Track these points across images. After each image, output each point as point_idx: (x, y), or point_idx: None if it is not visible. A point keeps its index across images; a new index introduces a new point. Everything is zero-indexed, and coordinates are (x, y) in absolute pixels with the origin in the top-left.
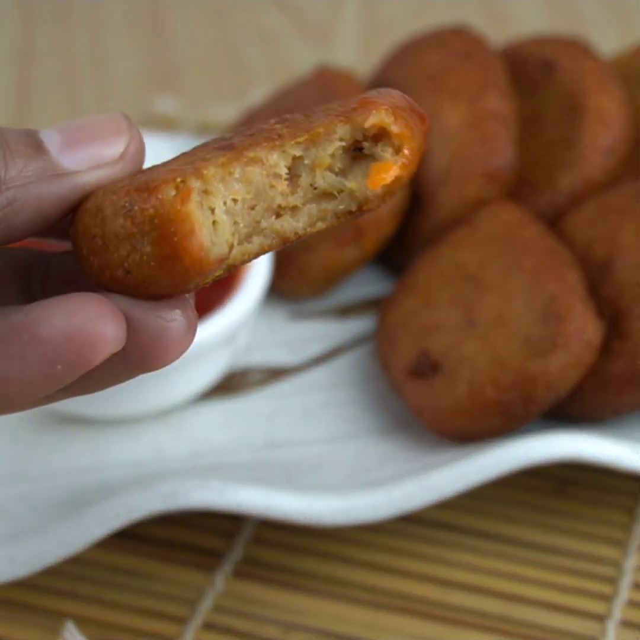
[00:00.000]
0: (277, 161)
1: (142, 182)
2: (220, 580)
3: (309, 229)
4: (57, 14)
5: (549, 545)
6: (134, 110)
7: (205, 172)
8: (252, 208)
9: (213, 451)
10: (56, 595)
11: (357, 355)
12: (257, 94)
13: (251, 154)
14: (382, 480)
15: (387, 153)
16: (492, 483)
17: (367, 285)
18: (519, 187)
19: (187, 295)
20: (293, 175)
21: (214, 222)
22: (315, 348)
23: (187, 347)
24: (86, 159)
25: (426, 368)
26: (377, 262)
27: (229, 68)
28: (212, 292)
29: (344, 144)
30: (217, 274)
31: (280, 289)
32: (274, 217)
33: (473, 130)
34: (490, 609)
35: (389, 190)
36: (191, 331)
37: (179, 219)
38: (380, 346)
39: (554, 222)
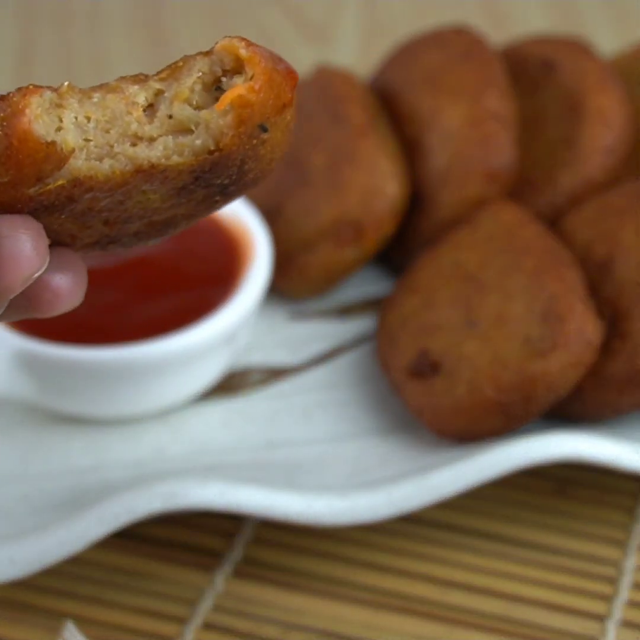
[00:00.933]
0: (138, 92)
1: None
2: (220, 580)
3: (164, 161)
4: (57, 14)
5: (549, 545)
6: None
7: (61, 89)
8: (107, 131)
9: (213, 451)
10: (56, 595)
11: (357, 355)
12: None
13: (113, 85)
14: (382, 480)
15: (239, 81)
16: (492, 483)
17: (367, 285)
18: (519, 187)
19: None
20: (152, 108)
21: (58, 129)
22: (315, 348)
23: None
24: None
25: (426, 368)
26: (377, 262)
27: None
28: (212, 292)
29: (200, 74)
30: (59, 182)
31: (280, 289)
32: (128, 143)
33: (473, 130)
34: (490, 609)
35: (237, 118)
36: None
37: (17, 110)
38: (380, 346)
39: (554, 222)
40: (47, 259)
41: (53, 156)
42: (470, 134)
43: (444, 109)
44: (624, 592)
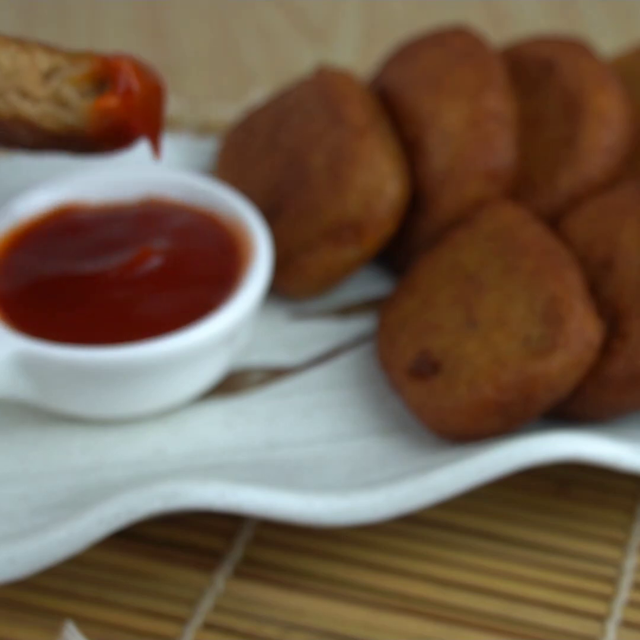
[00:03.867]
0: (43, 60)
1: None
2: (220, 580)
3: (37, 120)
4: (57, 14)
5: (549, 545)
6: None
7: None
8: (7, 78)
9: (213, 451)
10: (56, 595)
11: (357, 355)
12: (257, 94)
13: (29, 45)
14: (382, 480)
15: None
16: (492, 483)
17: (367, 285)
18: (519, 187)
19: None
20: (48, 76)
21: None
22: (315, 348)
23: None
24: None
25: (426, 368)
26: (377, 262)
27: (229, 68)
28: (212, 292)
29: (86, 71)
30: None
31: (280, 289)
32: (19, 95)
33: (473, 130)
34: (490, 609)
35: (104, 120)
36: None
37: None
38: (380, 346)
39: (554, 222)
40: None
41: None
42: (470, 134)
43: (444, 109)
44: (624, 592)
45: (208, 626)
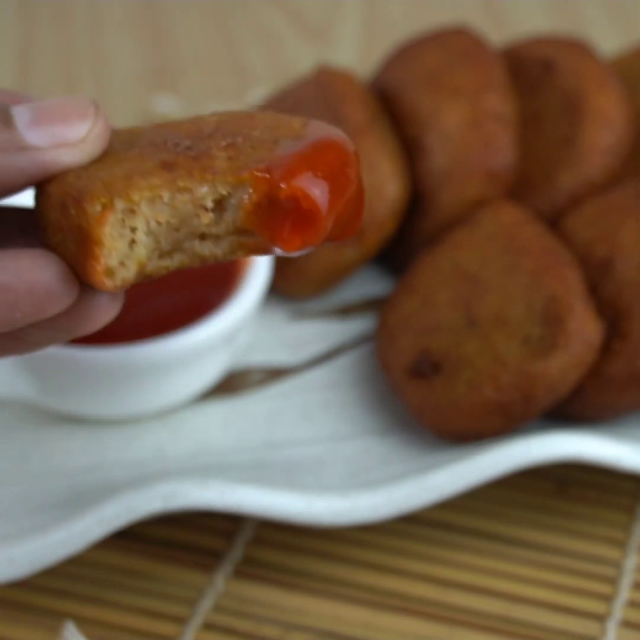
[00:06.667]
0: (206, 195)
1: (81, 187)
2: (220, 580)
3: (229, 255)
4: (57, 14)
5: (549, 545)
6: (134, 110)
7: (133, 196)
8: (177, 230)
9: (213, 451)
10: (56, 595)
11: (357, 355)
12: (257, 94)
13: (182, 184)
14: (382, 480)
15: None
16: (492, 483)
17: (367, 285)
18: (519, 187)
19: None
20: (219, 208)
21: (132, 241)
22: (315, 348)
23: (111, 317)
24: (49, 137)
25: (426, 368)
26: (377, 262)
27: (229, 68)
28: (212, 292)
29: (256, 199)
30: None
31: (280, 289)
32: (197, 240)
33: (473, 130)
34: (490, 609)
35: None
36: (116, 302)
37: (93, 239)
38: (380, 346)
39: (554, 222)
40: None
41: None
42: (471, 134)
43: (444, 109)
44: (624, 592)
45: (208, 626)
